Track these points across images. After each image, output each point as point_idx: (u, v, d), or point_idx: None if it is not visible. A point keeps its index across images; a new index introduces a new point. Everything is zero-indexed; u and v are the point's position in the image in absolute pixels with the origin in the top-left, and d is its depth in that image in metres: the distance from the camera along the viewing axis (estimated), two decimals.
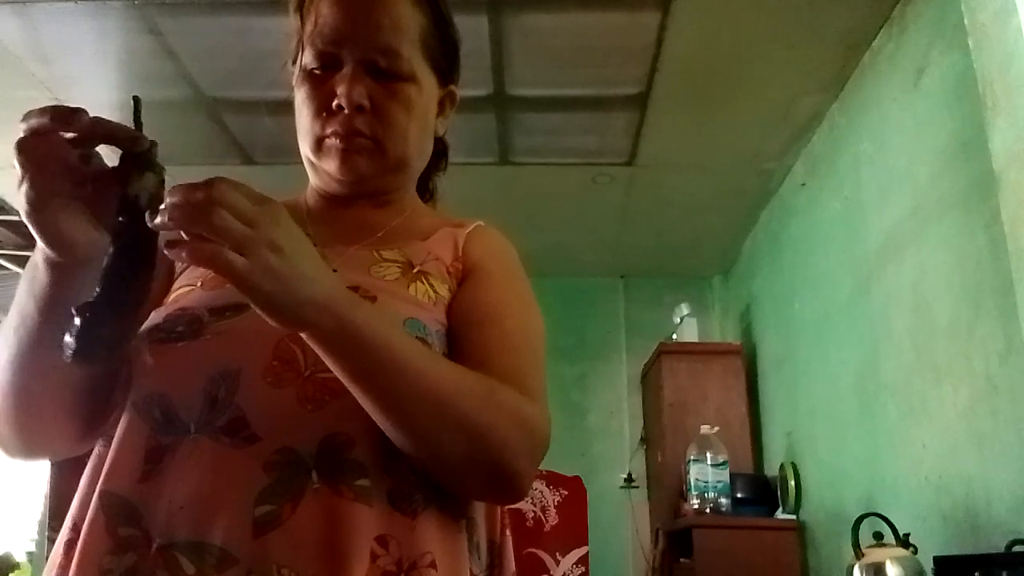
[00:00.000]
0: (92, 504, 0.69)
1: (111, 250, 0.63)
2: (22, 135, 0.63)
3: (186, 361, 0.73)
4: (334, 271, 0.71)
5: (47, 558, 0.75)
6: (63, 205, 0.64)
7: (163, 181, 0.65)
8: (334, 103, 0.83)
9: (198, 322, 0.75)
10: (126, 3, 2.45)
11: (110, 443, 0.73)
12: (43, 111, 0.62)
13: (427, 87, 0.89)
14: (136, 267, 0.64)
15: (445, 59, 0.92)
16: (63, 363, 0.63)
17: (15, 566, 3.43)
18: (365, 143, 0.85)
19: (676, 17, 2.49)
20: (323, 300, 0.63)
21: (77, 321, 0.61)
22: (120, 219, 0.63)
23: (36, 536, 3.91)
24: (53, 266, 0.68)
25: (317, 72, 0.85)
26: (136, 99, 0.67)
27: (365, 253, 0.85)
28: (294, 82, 0.89)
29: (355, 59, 0.84)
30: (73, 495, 0.74)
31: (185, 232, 0.59)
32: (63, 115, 0.62)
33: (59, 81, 2.82)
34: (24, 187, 0.63)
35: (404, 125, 0.86)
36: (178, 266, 0.87)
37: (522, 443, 0.73)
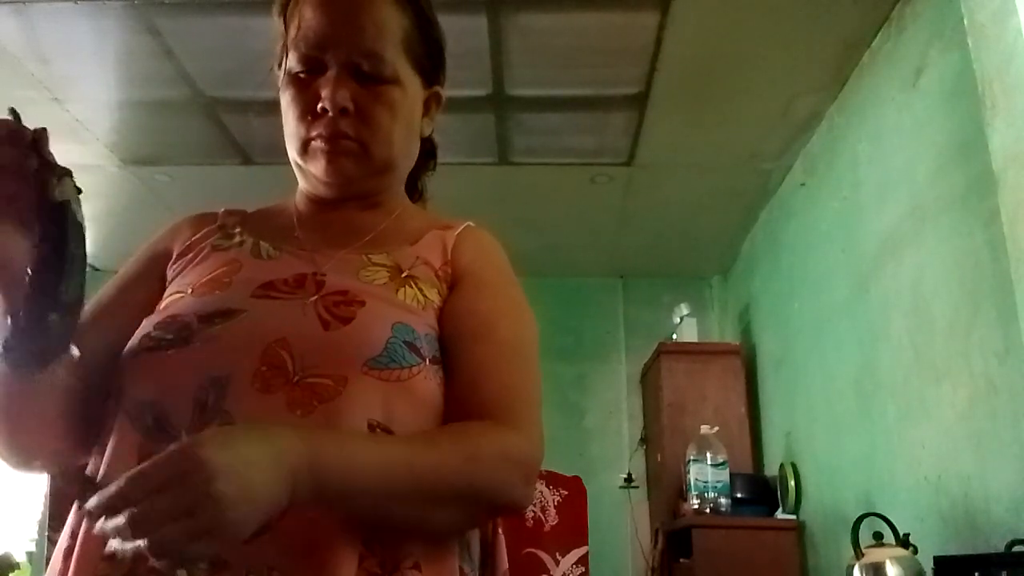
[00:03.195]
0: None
1: (38, 255, 0.63)
2: None
3: (176, 368, 0.73)
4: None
5: (47, 558, 0.75)
6: None
7: (75, 184, 0.67)
8: (319, 106, 0.84)
9: (187, 329, 0.76)
10: (124, 3, 2.44)
11: (104, 452, 0.74)
12: None
13: (411, 89, 0.90)
14: (68, 267, 0.64)
15: (429, 60, 0.93)
16: (38, 385, 0.64)
17: (15, 566, 3.43)
18: (350, 145, 0.86)
19: (675, 17, 2.49)
20: (287, 497, 0.62)
21: (12, 324, 0.61)
22: (48, 224, 0.64)
23: (36, 536, 3.90)
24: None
25: (302, 76, 0.86)
26: (12, 110, 0.67)
27: (354, 257, 0.86)
28: (280, 85, 0.90)
29: (339, 62, 0.84)
30: (72, 496, 0.74)
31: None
32: None
33: (57, 81, 2.82)
34: None
35: (388, 127, 0.87)
36: (170, 272, 0.88)
37: (514, 478, 0.75)
